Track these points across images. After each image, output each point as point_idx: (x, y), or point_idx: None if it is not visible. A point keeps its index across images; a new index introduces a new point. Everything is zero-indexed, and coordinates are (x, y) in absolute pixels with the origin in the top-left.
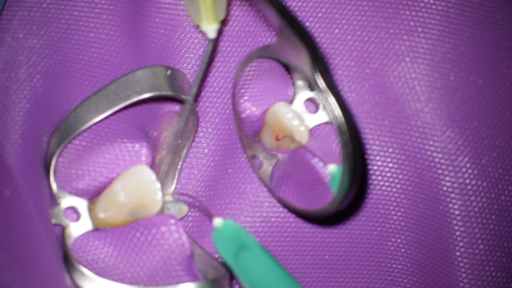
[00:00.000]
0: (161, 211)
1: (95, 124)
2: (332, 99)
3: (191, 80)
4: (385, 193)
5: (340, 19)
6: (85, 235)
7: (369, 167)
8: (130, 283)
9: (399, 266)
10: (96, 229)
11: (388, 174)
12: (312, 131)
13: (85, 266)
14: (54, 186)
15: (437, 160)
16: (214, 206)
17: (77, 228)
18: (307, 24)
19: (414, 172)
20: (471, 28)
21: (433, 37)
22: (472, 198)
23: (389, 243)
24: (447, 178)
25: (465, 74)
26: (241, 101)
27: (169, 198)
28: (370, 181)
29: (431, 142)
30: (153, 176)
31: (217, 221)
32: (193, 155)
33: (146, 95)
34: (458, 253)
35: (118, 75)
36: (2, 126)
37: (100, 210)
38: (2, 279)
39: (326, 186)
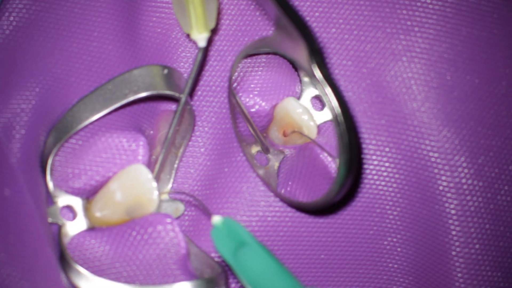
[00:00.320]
0: (158, 210)
1: (91, 123)
2: (328, 90)
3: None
4: (381, 192)
5: (337, 18)
6: (82, 234)
7: (365, 166)
8: (126, 282)
9: (395, 266)
10: (93, 228)
11: (385, 174)
12: (318, 128)
13: (81, 265)
14: (50, 185)
15: (433, 159)
16: (210, 205)
17: (74, 227)
18: None
19: (410, 172)
20: (468, 27)
21: (430, 37)
22: (468, 197)
23: (385, 243)
24: (444, 178)
25: (462, 73)
26: (245, 96)
27: (165, 197)
28: (366, 180)
29: (427, 142)
30: (149, 175)
31: (216, 219)
32: (189, 154)
33: (143, 94)
34: (454, 253)
35: (115, 74)
36: (5, 125)
37: (96, 209)
38: (1, 278)
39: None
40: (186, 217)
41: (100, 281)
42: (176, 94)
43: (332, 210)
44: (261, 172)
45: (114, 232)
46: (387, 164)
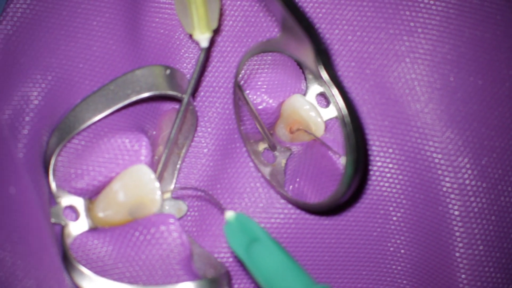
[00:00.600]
0: (160, 211)
1: (94, 123)
2: (335, 91)
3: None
4: (385, 193)
5: (340, 20)
6: (84, 234)
7: (369, 167)
8: (129, 282)
9: (399, 267)
10: (95, 228)
11: (388, 175)
12: (325, 125)
13: (84, 265)
14: (53, 185)
15: (437, 160)
16: (213, 206)
17: (76, 227)
18: None
19: (414, 173)
20: (471, 28)
21: (433, 38)
22: (472, 199)
23: (389, 244)
24: (447, 179)
25: (465, 74)
26: (253, 93)
27: (168, 197)
28: (369, 182)
29: (431, 143)
30: (152, 175)
31: (229, 214)
32: (192, 155)
33: (145, 95)
34: (457, 254)
35: (118, 74)
36: (14, 124)
37: (99, 209)
38: (5, 276)
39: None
40: (189, 217)
41: (103, 281)
42: (179, 95)
43: (336, 211)
44: (267, 170)
45: (117, 232)
46: (390, 165)
